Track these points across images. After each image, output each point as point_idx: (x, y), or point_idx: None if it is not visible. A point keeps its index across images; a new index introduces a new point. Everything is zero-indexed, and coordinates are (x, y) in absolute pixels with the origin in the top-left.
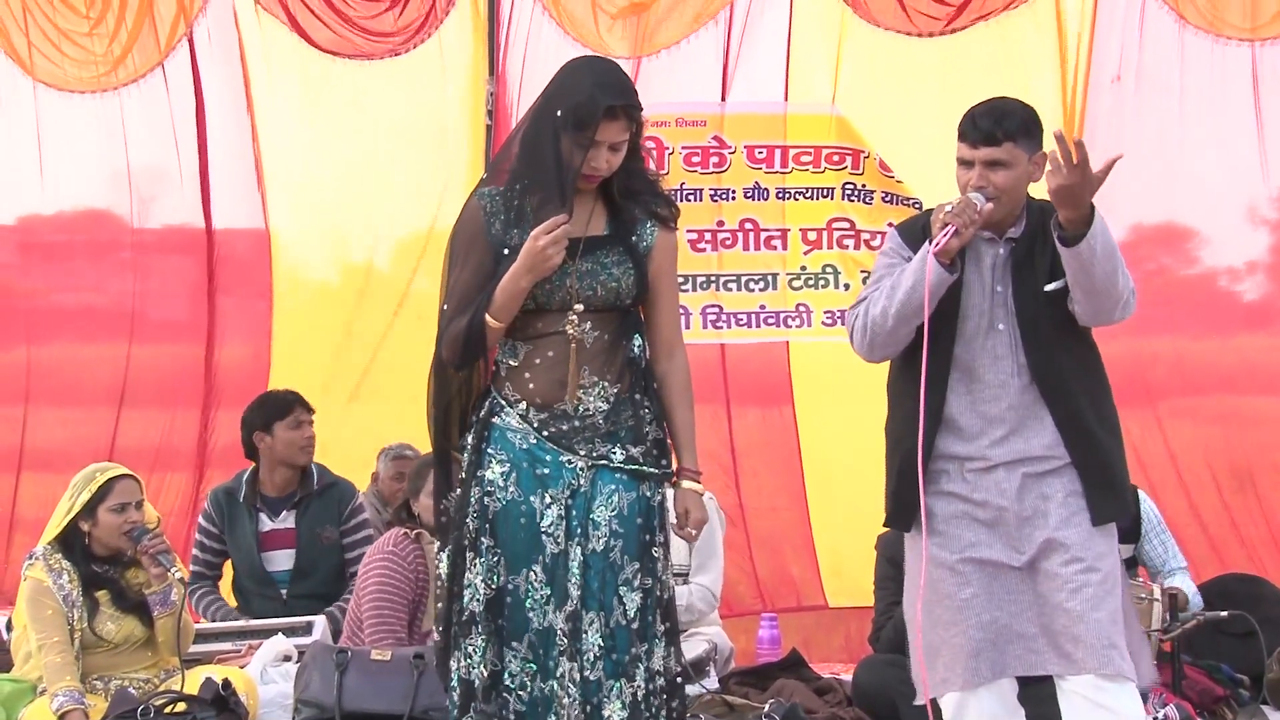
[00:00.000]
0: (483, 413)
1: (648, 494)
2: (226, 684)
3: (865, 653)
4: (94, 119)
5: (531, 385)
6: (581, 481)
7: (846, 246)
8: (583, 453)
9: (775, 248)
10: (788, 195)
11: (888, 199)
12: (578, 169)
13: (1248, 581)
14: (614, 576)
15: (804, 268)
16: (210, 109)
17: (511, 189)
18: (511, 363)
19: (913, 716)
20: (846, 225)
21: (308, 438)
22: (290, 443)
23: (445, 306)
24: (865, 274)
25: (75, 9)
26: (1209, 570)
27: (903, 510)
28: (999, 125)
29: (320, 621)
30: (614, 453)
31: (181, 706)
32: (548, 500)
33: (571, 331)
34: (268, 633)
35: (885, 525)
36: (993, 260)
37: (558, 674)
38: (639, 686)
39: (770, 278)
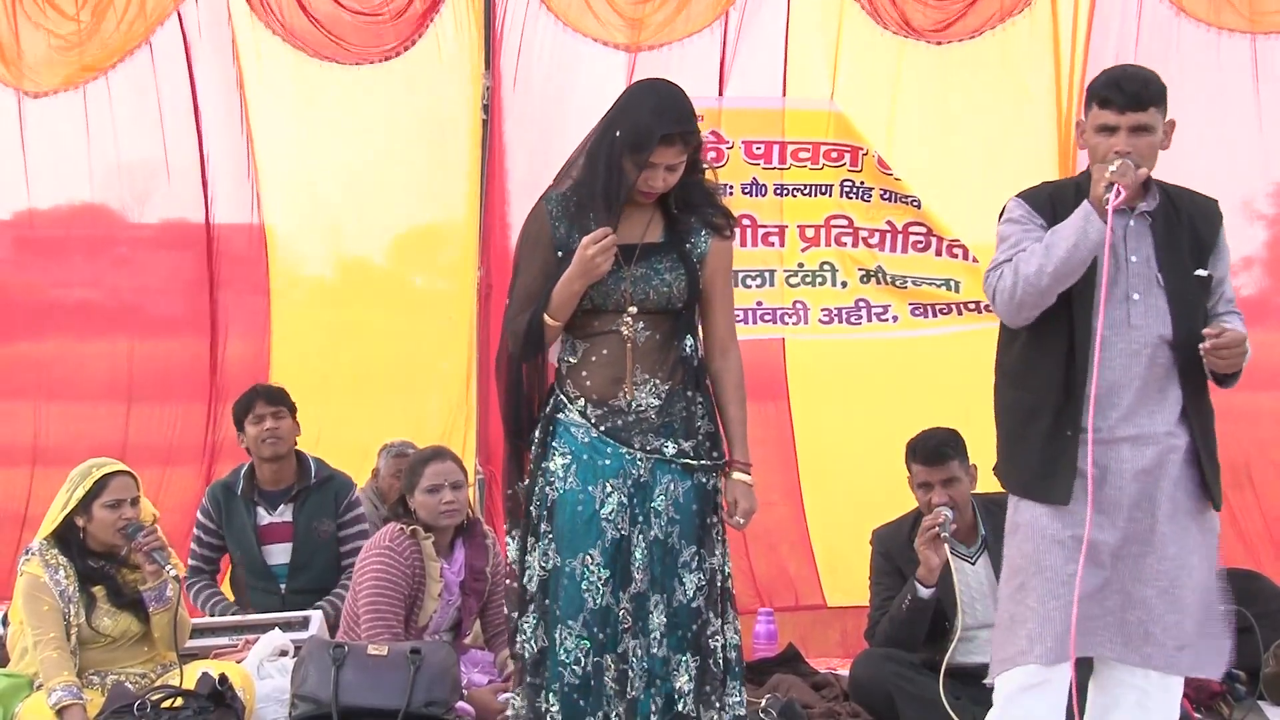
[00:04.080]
0: (548, 409)
1: (703, 480)
2: (223, 679)
3: (861, 648)
4: (81, 111)
5: (589, 382)
6: (641, 471)
7: (844, 244)
8: (638, 446)
9: (773, 244)
10: (785, 191)
11: (886, 196)
12: (631, 186)
13: (1244, 577)
14: (673, 561)
15: (801, 265)
16: (203, 104)
17: (574, 196)
18: (571, 360)
19: (909, 711)
20: (844, 223)
21: (268, 430)
22: (255, 438)
23: (510, 303)
24: (863, 271)
25: (63, 11)
26: None
27: (1053, 481)
28: (1145, 88)
29: (317, 616)
30: (666, 446)
31: (178, 701)
32: (608, 490)
33: (625, 331)
34: (264, 627)
35: (1025, 497)
36: (1123, 231)
37: (619, 650)
38: (715, 658)
39: (767, 274)
